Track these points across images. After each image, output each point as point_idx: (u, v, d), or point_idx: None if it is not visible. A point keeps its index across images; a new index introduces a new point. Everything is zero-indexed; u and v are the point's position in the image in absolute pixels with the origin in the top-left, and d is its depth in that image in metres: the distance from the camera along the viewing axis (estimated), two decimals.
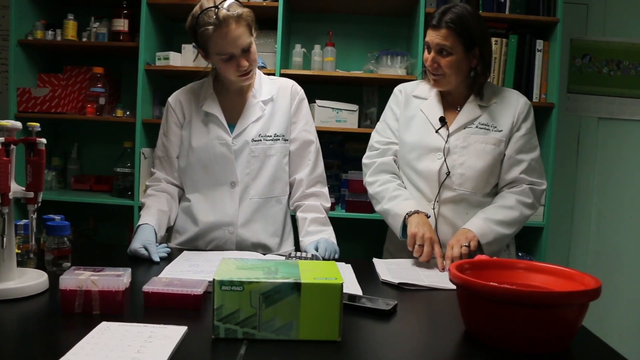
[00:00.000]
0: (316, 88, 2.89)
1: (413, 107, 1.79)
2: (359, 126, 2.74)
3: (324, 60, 2.76)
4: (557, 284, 1.11)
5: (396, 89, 1.86)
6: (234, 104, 1.73)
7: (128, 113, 2.82)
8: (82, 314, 1.06)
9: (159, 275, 1.30)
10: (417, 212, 1.64)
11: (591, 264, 3.08)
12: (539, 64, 2.65)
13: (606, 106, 3.06)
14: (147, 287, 1.13)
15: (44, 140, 1.18)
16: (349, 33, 2.99)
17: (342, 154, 2.92)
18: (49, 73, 2.90)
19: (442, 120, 1.71)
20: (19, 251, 1.35)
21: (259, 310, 0.95)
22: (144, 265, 1.48)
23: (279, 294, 0.95)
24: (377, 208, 1.79)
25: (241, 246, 1.70)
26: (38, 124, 1.19)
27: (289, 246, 1.81)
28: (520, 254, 2.71)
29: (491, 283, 1.09)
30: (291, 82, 1.81)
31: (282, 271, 1.00)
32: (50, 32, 2.78)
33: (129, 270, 1.15)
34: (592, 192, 3.10)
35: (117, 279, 1.08)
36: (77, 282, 1.07)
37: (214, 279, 0.95)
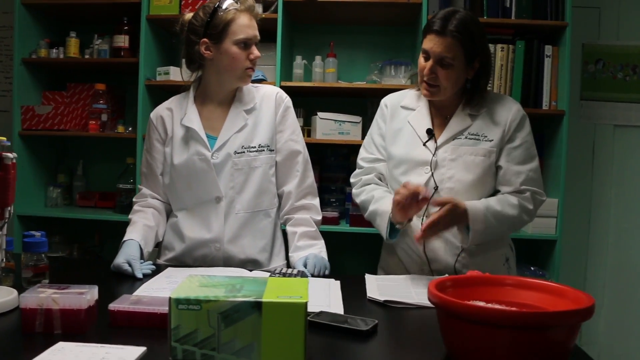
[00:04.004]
0: (318, 100, 2.85)
1: (400, 118, 1.70)
2: (363, 138, 2.67)
3: (325, 72, 2.70)
4: (549, 301, 1.02)
5: (382, 102, 1.77)
6: (217, 115, 1.69)
7: (130, 129, 2.81)
8: (43, 334, 1.02)
9: (135, 292, 1.26)
10: None
11: (610, 278, 2.93)
12: (548, 70, 2.56)
13: (622, 113, 2.93)
14: (113, 305, 1.08)
15: (10, 155, 1.14)
16: (352, 43, 2.94)
17: (347, 167, 2.85)
18: (52, 90, 2.92)
19: (430, 132, 1.63)
20: None
21: (217, 331, 0.89)
22: (128, 281, 1.44)
23: (238, 314, 0.88)
24: (365, 215, 1.72)
25: (229, 262, 1.64)
26: (5, 138, 1.16)
27: (280, 261, 1.75)
28: (532, 268, 2.60)
29: (473, 302, 1.02)
30: (276, 90, 1.75)
31: (246, 289, 0.94)
32: (53, 50, 2.80)
33: (96, 287, 1.10)
34: (609, 203, 2.96)
35: (79, 297, 1.04)
36: (38, 300, 1.03)
37: (169, 297, 0.89)
